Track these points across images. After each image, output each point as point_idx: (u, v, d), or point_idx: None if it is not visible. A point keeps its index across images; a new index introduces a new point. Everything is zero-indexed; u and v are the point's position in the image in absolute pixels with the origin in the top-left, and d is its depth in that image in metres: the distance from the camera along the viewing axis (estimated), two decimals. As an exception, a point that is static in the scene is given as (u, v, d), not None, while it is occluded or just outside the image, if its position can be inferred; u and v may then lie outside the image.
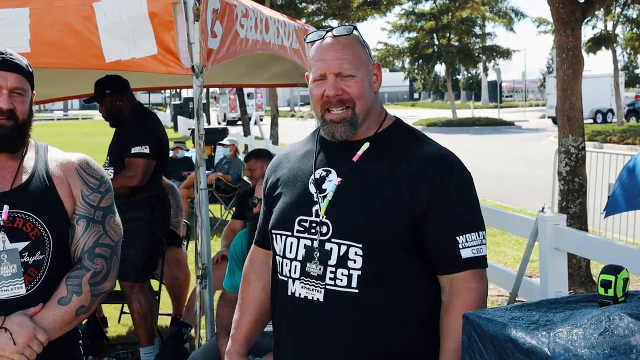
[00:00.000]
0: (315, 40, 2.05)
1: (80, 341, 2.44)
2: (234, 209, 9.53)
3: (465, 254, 1.96)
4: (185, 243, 6.08)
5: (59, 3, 3.57)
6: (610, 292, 2.04)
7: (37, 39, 3.54)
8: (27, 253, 2.10)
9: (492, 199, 12.58)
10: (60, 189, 2.19)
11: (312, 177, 2.06)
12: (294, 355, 2.07)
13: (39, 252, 2.12)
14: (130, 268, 4.64)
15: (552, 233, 4.73)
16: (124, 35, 3.56)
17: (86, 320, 5.60)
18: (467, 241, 1.96)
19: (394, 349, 1.98)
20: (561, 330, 1.83)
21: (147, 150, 4.61)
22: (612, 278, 2.04)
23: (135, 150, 4.63)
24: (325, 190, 2.02)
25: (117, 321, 6.03)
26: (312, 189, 2.04)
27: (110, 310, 6.11)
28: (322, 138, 2.13)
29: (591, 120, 33.01)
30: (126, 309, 5.79)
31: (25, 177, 2.16)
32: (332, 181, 2.02)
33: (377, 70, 2.09)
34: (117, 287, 5.71)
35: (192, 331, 4.98)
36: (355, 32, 2.04)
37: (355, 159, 2.03)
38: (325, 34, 2.03)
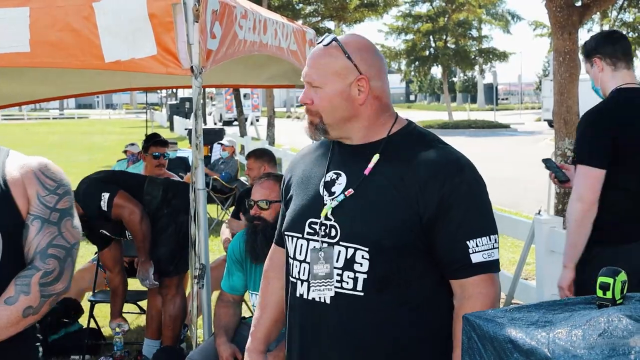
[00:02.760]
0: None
1: (36, 341, 2.35)
2: (230, 209, 9.55)
3: (476, 258, 1.93)
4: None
5: (59, 3, 3.57)
6: (609, 294, 2.05)
7: (37, 39, 3.53)
8: None
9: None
10: (14, 189, 2.12)
11: (324, 179, 2.06)
12: (300, 355, 2.09)
13: None
14: (167, 264, 4.82)
15: (548, 236, 4.75)
16: (124, 36, 3.57)
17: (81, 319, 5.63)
18: (477, 245, 1.93)
19: (399, 353, 1.98)
20: (560, 331, 1.84)
21: (107, 196, 4.71)
22: (610, 280, 2.05)
23: (103, 205, 4.72)
24: (334, 193, 2.01)
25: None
26: (323, 191, 2.04)
27: (106, 310, 6.10)
28: (336, 141, 2.12)
29: (587, 124, 32.98)
30: (125, 308, 5.81)
31: None
32: (342, 184, 2.02)
33: (364, 83, 2.00)
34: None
35: (189, 331, 5.00)
36: (334, 43, 2.00)
37: (366, 172, 2.00)
38: (322, 40, 2.04)
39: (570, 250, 3.44)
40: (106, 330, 5.76)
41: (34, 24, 3.53)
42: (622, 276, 2.09)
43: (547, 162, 3.86)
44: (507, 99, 76.49)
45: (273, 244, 2.37)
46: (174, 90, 36.86)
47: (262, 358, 2.34)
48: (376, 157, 2.01)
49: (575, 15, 7.67)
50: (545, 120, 36.11)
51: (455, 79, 72.27)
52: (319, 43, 2.04)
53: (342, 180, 2.03)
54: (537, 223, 4.86)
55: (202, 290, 3.90)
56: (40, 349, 2.34)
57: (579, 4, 8.14)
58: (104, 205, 4.72)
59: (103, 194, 4.71)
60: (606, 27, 29.23)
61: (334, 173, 2.06)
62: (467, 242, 1.93)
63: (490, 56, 41.40)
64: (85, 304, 5.79)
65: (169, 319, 4.87)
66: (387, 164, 2.00)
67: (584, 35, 32.33)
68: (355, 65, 1.99)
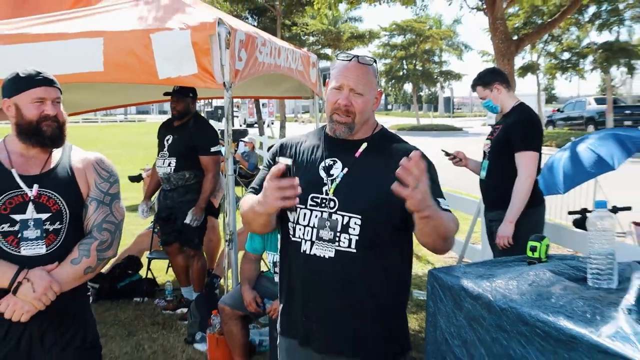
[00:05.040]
0: (344, 60, 2.03)
1: (92, 290, 2.37)
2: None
3: (443, 206, 1.94)
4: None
5: (125, 35, 3.57)
6: (536, 255, 2.07)
7: (108, 61, 3.54)
8: (49, 222, 2.07)
9: (443, 185, 12.57)
10: (78, 176, 2.16)
11: (323, 164, 2.05)
12: (303, 300, 2.05)
13: (58, 222, 2.08)
14: (194, 236, 4.74)
15: (491, 211, 4.72)
16: (173, 59, 3.56)
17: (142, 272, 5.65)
18: (441, 202, 1.96)
19: (379, 296, 1.98)
20: (500, 282, 1.86)
21: (221, 149, 4.59)
22: (537, 244, 2.07)
23: (214, 149, 4.65)
24: (332, 175, 2.01)
25: (165, 272, 6.05)
26: (322, 173, 2.03)
27: (160, 265, 6.13)
28: (327, 135, 2.12)
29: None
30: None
31: (51, 166, 2.14)
32: (339, 168, 2.02)
33: (379, 96, 2.09)
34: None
35: (222, 281, 5.01)
36: (374, 64, 2.04)
37: (357, 154, 2.03)
38: (353, 58, 2.02)
39: (517, 210, 3.58)
40: (160, 280, 5.78)
41: (106, 50, 3.53)
42: (546, 241, 2.11)
43: (445, 151, 4.13)
44: (460, 108, 75.82)
45: (250, 194, 2.15)
46: (210, 100, 36.87)
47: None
48: (364, 145, 2.04)
49: (512, 47, 7.66)
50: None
51: (422, 93, 71.69)
52: (361, 62, 2.01)
53: (339, 165, 2.03)
54: (482, 202, 4.84)
55: (231, 251, 3.91)
56: (91, 297, 2.36)
57: (515, 38, 8.12)
58: (212, 149, 4.61)
59: (219, 144, 4.58)
60: (535, 56, 29.13)
61: (330, 160, 2.05)
62: (437, 199, 1.93)
63: (448, 76, 41.22)
64: (144, 260, 5.81)
65: (196, 273, 4.86)
66: (373, 153, 2.03)
67: (518, 61, 32.18)
68: (378, 82, 2.08)
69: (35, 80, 2.09)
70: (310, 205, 2.02)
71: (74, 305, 2.17)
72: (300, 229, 2.04)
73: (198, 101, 5.13)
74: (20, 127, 2.09)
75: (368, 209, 1.95)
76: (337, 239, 1.96)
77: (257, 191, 2.12)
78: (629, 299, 1.66)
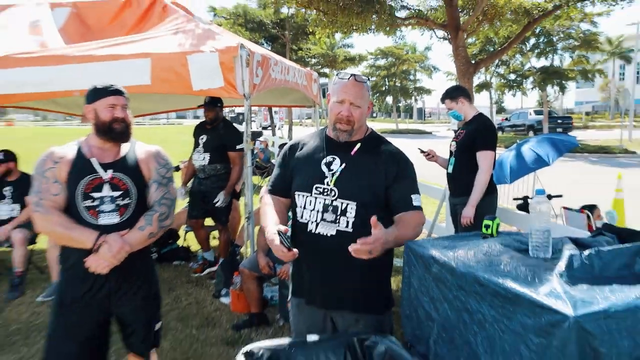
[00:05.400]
0: (343, 78, 2.00)
1: (154, 254, 2.37)
2: (266, 179, 9.54)
3: (415, 203, 1.96)
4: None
5: (167, 56, 3.55)
6: (489, 231, 2.07)
7: (155, 76, 3.52)
8: (120, 199, 2.11)
9: (418, 177, 12.53)
10: (142, 164, 2.20)
11: (324, 160, 2.02)
12: (309, 268, 2.05)
13: (127, 198, 2.13)
14: (222, 215, 4.78)
15: (453, 197, 4.72)
16: (205, 75, 3.55)
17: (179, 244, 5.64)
18: (415, 198, 1.97)
19: (369, 264, 1.92)
20: (461, 252, 1.86)
21: (244, 146, 4.60)
22: (490, 223, 2.07)
23: (239, 146, 4.66)
24: (332, 169, 1.99)
25: (197, 242, 6.06)
26: (324, 168, 2.01)
27: (194, 236, 6.12)
28: (328, 137, 2.09)
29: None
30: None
31: (121, 155, 2.19)
32: (338, 164, 2.00)
33: (371, 106, 2.05)
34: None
35: (242, 249, 5.03)
36: (367, 82, 2.01)
37: (353, 153, 2.01)
38: (350, 77, 1.98)
39: (477, 197, 3.60)
40: (193, 248, 5.79)
41: (153, 68, 3.51)
42: (498, 220, 2.10)
43: (420, 149, 4.04)
44: (430, 116, 75.80)
45: (266, 194, 2.13)
46: (233, 108, 36.73)
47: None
48: (358, 145, 2.02)
49: (471, 68, 7.64)
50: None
51: (400, 104, 71.41)
52: (358, 80, 1.97)
53: (337, 161, 2.00)
54: (447, 189, 4.84)
55: (249, 226, 3.91)
56: (154, 256, 2.37)
57: (473, 62, 8.09)
58: (237, 146, 4.61)
59: (243, 146, 4.48)
60: (488, 76, 29.02)
61: (330, 157, 2.02)
62: (411, 196, 1.96)
63: (421, 91, 41.11)
64: (181, 233, 5.81)
65: (223, 243, 4.88)
66: (365, 152, 2.01)
67: (475, 80, 31.93)
68: (370, 95, 2.03)
69: (108, 91, 2.16)
70: (315, 193, 2.00)
71: (142, 264, 2.22)
72: (307, 213, 2.02)
73: (224, 108, 5.16)
74: (98, 127, 2.15)
75: (361, 197, 1.94)
76: (337, 220, 1.94)
77: (273, 188, 2.12)
78: (561, 265, 1.67)
